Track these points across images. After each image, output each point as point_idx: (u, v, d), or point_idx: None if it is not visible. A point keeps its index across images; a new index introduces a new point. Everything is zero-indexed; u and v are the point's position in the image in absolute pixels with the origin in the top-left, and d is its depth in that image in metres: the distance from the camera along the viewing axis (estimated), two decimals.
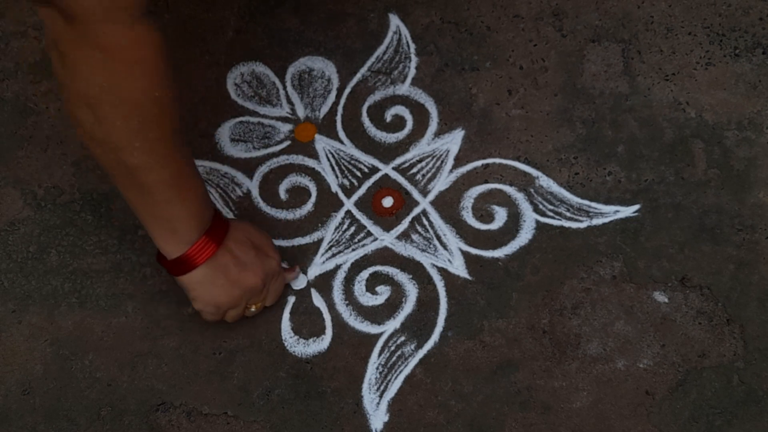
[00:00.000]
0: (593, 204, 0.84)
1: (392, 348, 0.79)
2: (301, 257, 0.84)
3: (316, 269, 0.83)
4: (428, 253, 0.83)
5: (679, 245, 0.82)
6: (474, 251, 0.83)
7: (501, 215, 0.84)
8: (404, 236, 0.84)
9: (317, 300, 0.82)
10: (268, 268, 0.75)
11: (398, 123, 0.89)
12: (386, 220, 0.85)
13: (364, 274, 0.83)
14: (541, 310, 0.80)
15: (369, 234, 0.85)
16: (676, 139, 0.87)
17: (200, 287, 0.72)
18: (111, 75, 0.59)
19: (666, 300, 0.80)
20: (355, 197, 0.86)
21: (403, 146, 0.88)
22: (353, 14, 0.95)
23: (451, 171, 0.87)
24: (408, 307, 0.81)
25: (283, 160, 0.88)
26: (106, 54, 0.58)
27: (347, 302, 0.82)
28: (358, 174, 0.87)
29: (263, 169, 0.88)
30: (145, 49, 0.59)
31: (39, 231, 0.86)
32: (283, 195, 0.87)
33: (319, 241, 0.85)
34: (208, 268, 0.71)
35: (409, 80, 0.91)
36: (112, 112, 0.61)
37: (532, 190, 0.85)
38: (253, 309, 0.77)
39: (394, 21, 0.94)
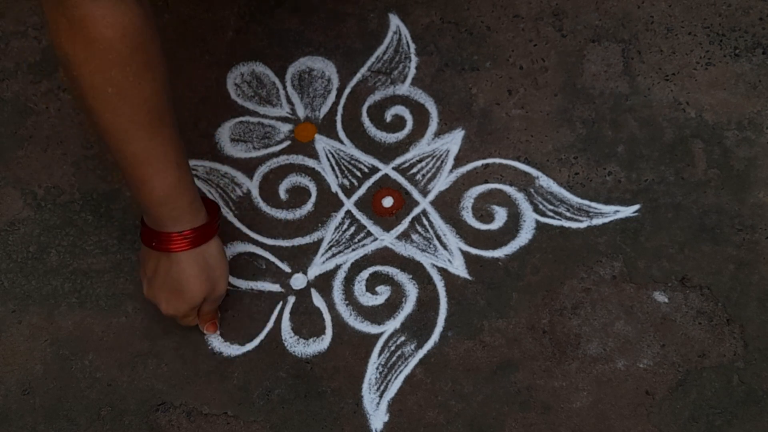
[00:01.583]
0: (593, 204, 0.84)
1: (392, 348, 0.79)
2: (301, 257, 0.84)
3: (316, 269, 0.83)
4: (428, 253, 0.83)
5: (679, 245, 0.82)
6: (474, 251, 0.83)
7: (501, 215, 0.84)
8: (404, 236, 0.84)
9: (317, 300, 0.82)
10: (193, 310, 0.75)
11: (398, 123, 0.89)
12: (386, 220, 0.85)
13: (364, 274, 0.83)
14: (541, 310, 0.80)
15: (369, 234, 0.85)
16: (676, 139, 0.87)
17: (143, 262, 0.74)
18: (72, 46, 0.60)
19: (666, 300, 0.80)
20: (355, 197, 0.86)
21: (403, 146, 0.88)
22: (353, 14, 0.95)
23: (451, 171, 0.87)
24: (408, 307, 0.81)
25: (283, 160, 0.88)
26: (72, 25, 0.59)
27: (347, 302, 0.82)
28: (358, 174, 0.87)
29: (263, 169, 0.88)
30: (106, 29, 0.59)
31: (39, 231, 0.86)
32: (283, 195, 0.87)
33: (319, 241, 0.85)
34: (166, 260, 0.71)
35: (409, 80, 0.91)
36: (73, 82, 0.62)
37: (532, 190, 0.85)
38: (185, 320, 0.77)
39: (394, 21, 0.94)
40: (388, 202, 0.86)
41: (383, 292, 0.82)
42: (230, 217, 0.86)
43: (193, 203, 0.71)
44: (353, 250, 0.84)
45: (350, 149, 0.88)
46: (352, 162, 0.88)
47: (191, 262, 0.72)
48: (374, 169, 0.87)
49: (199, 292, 0.73)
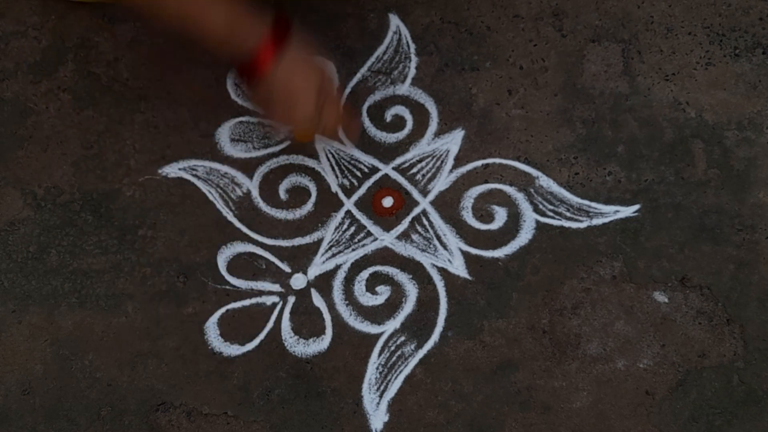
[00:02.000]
0: (593, 204, 0.84)
1: (392, 348, 0.79)
2: (301, 257, 0.84)
3: (316, 269, 0.83)
4: (428, 253, 0.83)
5: (679, 245, 0.82)
6: (474, 251, 0.83)
7: (501, 215, 0.84)
8: (404, 236, 0.84)
9: (317, 300, 0.82)
10: (321, 98, 0.77)
11: (398, 123, 0.89)
12: (386, 220, 0.85)
13: (364, 274, 0.83)
14: (541, 310, 0.80)
15: (369, 234, 0.85)
16: (676, 139, 0.87)
17: (264, 100, 0.76)
18: None
19: (666, 300, 0.80)
20: (355, 197, 0.86)
21: (403, 146, 0.88)
22: (353, 14, 0.95)
23: (451, 171, 0.87)
24: (408, 307, 0.81)
25: (283, 160, 0.88)
26: None
27: (347, 302, 0.82)
28: (358, 174, 0.87)
29: (263, 169, 0.88)
30: None
31: (39, 231, 0.86)
32: (283, 195, 0.87)
33: (319, 241, 0.85)
34: (288, 56, 0.74)
35: (409, 80, 0.91)
36: None
37: (532, 190, 0.85)
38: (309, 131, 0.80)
39: (394, 21, 0.94)
40: (388, 202, 0.86)
41: (383, 292, 0.82)
42: (230, 217, 0.86)
43: (256, 10, 0.73)
44: (353, 250, 0.84)
45: (350, 149, 0.88)
46: (352, 162, 0.88)
47: (292, 61, 0.74)
48: (374, 169, 0.87)
49: (314, 77, 0.75)
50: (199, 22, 0.71)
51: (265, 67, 0.73)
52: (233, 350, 0.80)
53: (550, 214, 0.84)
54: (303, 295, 0.82)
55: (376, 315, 0.81)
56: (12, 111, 0.92)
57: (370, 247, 0.84)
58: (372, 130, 0.89)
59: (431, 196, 0.86)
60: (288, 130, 0.80)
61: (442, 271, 0.82)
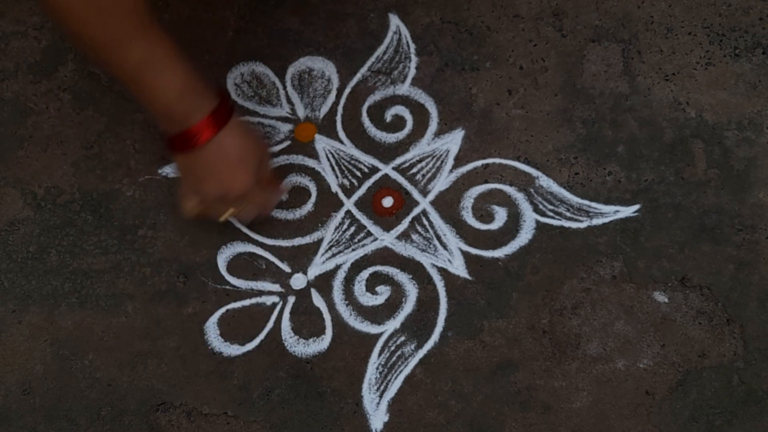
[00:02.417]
0: (593, 204, 0.84)
1: (392, 348, 0.79)
2: (301, 257, 0.84)
3: (316, 269, 0.83)
4: (428, 253, 0.83)
5: (679, 245, 0.82)
6: (474, 251, 0.83)
7: (501, 215, 0.85)
8: (404, 236, 0.84)
9: (317, 300, 0.82)
10: (263, 169, 0.77)
11: (398, 123, 0.89)
12: (386, 220, 0.85)
13: (364, 274, 0.83)
14: (541, 310, 0.80)
15: (369, 234, 0.85)
16: (676, 139, 0.87)
17: (195, 169, 0.74)
18: None
19: (666, 300, 0.80)
20: (355, 197, 0.86)
21: (403, 146, 0.88)
22: (353, 14, 0.95)
23: (451, 171, 0.87)
24: (408, 307, 0.81)
25: (283, 160, 0.88)
26: None
27: (347, 302, 0.82)
28: (358, 174, 0.87)
29: None
30: None
31: (39, 231, 0.86)
32: (283, 195, 0.87)
33: (319, 241, 0.85)
34: (205, 151, 0.72)
35: (409, 80, 0.91)
36: (57, 14, 0.63)
37: (532, 190, 0.85)
38: (226, 216, 0.78)
39: (394, 21, 0.94)
40: (388, 202, 0.86)
41: (383, 292, 0.82)
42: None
43: (206, 85, 0.72)
44: (353, 250, 0.84)
45: (350, 149, 0.88)
46: (352, 162, 0.88)
47: (235, 133, 0.73)
48: (374, 169, 0.87)
49: (254, 152, 0.75)
50: (151, 86, 0.68)
51: (205, 138, 0.72)
52: (233, 350, 0.80)
53: (550, 214, 0.84)
54: (303, 295, 0.82)
55: (376, 315, 0.81)
56: (12, 111, 0.92)
57: (370, 247, 0.84)
58: (372, 130, 0.89)
59: (431, 196, 0.86)
60: (199, 204, 0.78)
61: (442, 271, 0.82)
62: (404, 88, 0.91)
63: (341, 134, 0.89)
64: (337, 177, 0.87)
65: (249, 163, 0.75)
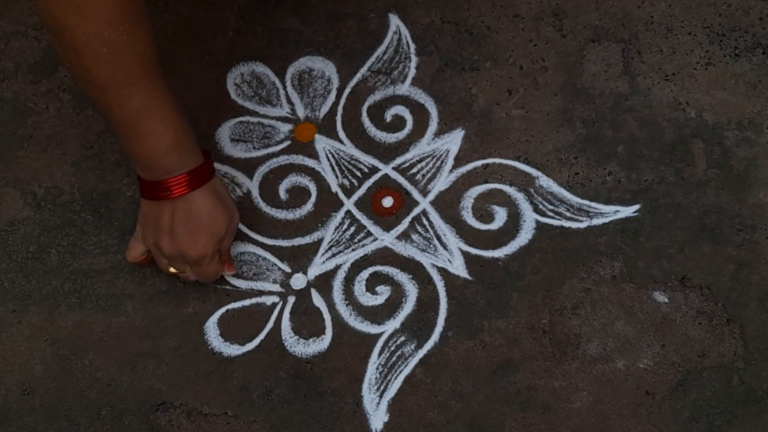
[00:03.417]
0: (593, 204, 0.84)
1: (392, 348, 0.79)
2: (301, 257, 0.84)
3: (316, 269, 0.83)
4: (428, 253, 0.83)
5: (679, 245, 0.82)
6: (474, 251, 0.83)
7: (501, 215, 0.85)
8: (404, 236, 0.84)
9: (317, 300, 0.82)
10: (225, 241, 0.77)
11: (398, 123, 0.89)
12: (386, 220, 0.85)
13: (364, 274, 0.83)
14: (541, 310, 0.80)
15: (369, 234, 0.85)
16: (676, 139, 0.87)
17: (158, 221, 0.74)
18: (63, 12, 0.61)
19: (666, 300, 0.80)
20: (355, 197, 0.86)
21: (403, 146, 0.88)
22: (353, 14, 0.95)
23: (451, 171, 0.87)
24: (408, 307, 0.81)
25: (283, 160, 0.88)
26: None
27: (347, 302, 0.82)
28: (358, 174, 0.87)
29: (263, 169, 0.88)
30: None
31: (39, 231, 0.86)
32: (283, 195, 0.87)
33: (319, 241, 0.85)
34: (173, 206, 0.72)
35: (409, 80, 0.91)
36: (67, 47, 0.63)
37: (532, 190, 0.85)
38: (172, 270, 0.78)
39: (394, 21, 0.94)
40: (388, 202, 0.86)
41: (383, 292, 0.82)
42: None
43: (194, 142, 0.73)
44: (353, 250, 0.84)
45: (350, 149, 0.88)
46: (352, 162, 0.88)
47: (209, 196, 0.73)
48: (374, 169, 0.88)
49: (223, 222, 0.74)
50: (145, 134, 0.68)
51: (174, 194, 0.71)
52: (233, 350, 0.80)
53: (550, 214, 0.84)
54: (303, 295, 0.82)
55: (376, 315, 0.81)
56: (12, 111, 0.92)
57: (370, 247, 0.84)
58: (372, 130, 0.89)
59: (431, 196, 0.86)
60: (144, 253, 0.78)
61: (442, 271, 0.82)
62: (404, 88, 0.91)
63: (341, 134, 0.89)
64: (337, 177, 0.87)
65: (213, 231, 0.74)
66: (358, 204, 0.86)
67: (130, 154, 0.72)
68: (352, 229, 0.85)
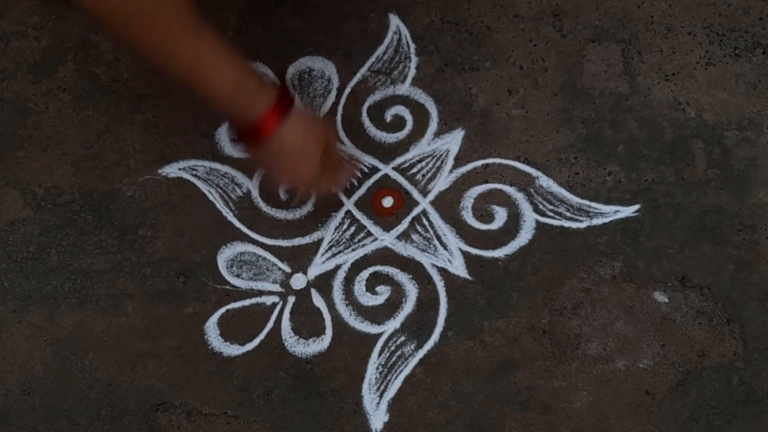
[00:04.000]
0: (593, 204, 0.84)
1: (392, 348, 0.79)
2: (301, 257, 0.84)
3: (316, 269, 0.83)
4: (428, 253, 0.83)
5: (679, 245, 0.82)
6: (474, 251, 0.83)
7: (501, 215, 0.84)
8: (404, 236, 0.84)
9: (317, 300, 0.82)
10: (328, 155, 0.78)
11: (398, 123, 0.89)
12: (386, 220, 0.85)
13: (364, 274, 0.83)
14: (541, 310, 0.80)
15: (369, 234, 0.85)
16: (676, 139, 0.87)
17: (264, 160, 0.76)
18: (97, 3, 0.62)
19: (666, 300, 0.80)
20: (355, 197, 0.86)
21: (403, 146, 0.88)
22: (353, 14, 0.95)
23: (451, 171, 0.87)
24: (408, 307, 0.81)
25: None
26: None
27: (347, 302, 0.82)
28: (358, 174, 0.87)
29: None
30: None
31: (39, 231, 0.86)
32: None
33: (319, 241, 0.85)
34: (269, 144, 0.73)
35: (409, 80, 0.91)
36: (104, 24, 0.64)
37: (532, 190, 0.85)
38: (298, 197, 0.81)
39: (394, 21, 0.94)
40: (388, 202, 0.86)
41: (383, 292, 0.82)
42: (230, 217, 0.86)
43: (261, 78, 0.73)
44: (353, 250, 0.84)
45: (350, 149, 0.88)
46: (352, 162, 0.88)
47: (295, 126, 0.74)
48: (374, 169, 0.87)
49: (318, 145, 0.76)
50: (205, 84, 0.70)
51: (269, 132, 0.73)
52: (233, 350, 0.80)
53: (550, 214, 0.84)
54: (303, 295, 0.82)
55: (376, 315, 0.81)
56: (12, 111, 0.92)
57: (370, 247, 0.84)
58: (372, 130, 0.89)
59: (431, 196, 0.86)
60: (289, 187, 0.82)
61: (442, 271, 0.82)
62: (404, 88, 0.91)
63: (341, 134, 0.89)
64: None
65: (310, 155, 0.76)
66: (358, 204, 0.86)
67: (208, 104, 0.73)
68: (352, 229, 0.85)
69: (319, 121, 0.78)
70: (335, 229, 0.85)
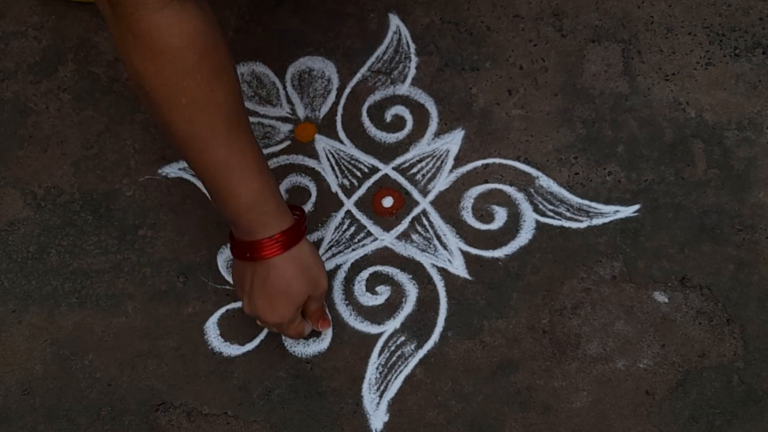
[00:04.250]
0: (593, 204, 0.84)
1: (392, 348, 0.79)
2: None
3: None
4: (428, 253, 0.83)
5: (679, 245, 0.82)
6: (474, 251, 0.83)
7: (501, 215, 0.84)
8: (404, 236, 0.84)
9: None
10: (310, 306, 0.74)
11: (398, 123, 0.89)
12: (386, 220, 0.85)
13: (364, 274, 0.83)
14: (541, 310, 0.80)
15: (369, 234, 0.85)
16: (676, 139, 0.87)
17: (241, 278, 0.72)
18: (142, 60, 0.59)
19: (666, 300, 0.80)
20: (355, 197, 0.86)
21: (403, 146, 0.88)
22: (353, 14, 0.95)
23: (451, 171, 0.87)
24: (408, 307, 0.81)
25: (283, 160, 0.88)
26: (138, 39, 0.58)
27: (347, 302, 0.82)
28: (358, 174, 0.87)
29: None
30: (172, 39, 0.58)
31: (39, 231, 0.86)
32: (283, 195, 0.87)
33: (319, 241, 0.85)
34: (254, 268, 0.70)
35: (409, 80, 0.91)
36: (146, 97, 0.61)
37: (532, 190, 0.85)
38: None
39: (394, 21, 0.94)
40: (388, 202, 0.86)
41: (383, 292, 0.82)
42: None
43: (279, 206, 0.69)
44: (353, 250, 0.84)
45: (350, 149, 0.88)
46: (352, 162, 0.88)
47: (288, 265, 0.70)
48: (374, 169, 0.87)
49: (302, 292, 0.71)
50: (223, 189, 0.66)
51: (261, 257, 0.69)
52: (233, 350, 0.80)
53: (550, 214, 0.84)
54: None
55: (376, 315, 0.81)
56: (12, 111, 0.92)
57: (370, 247, 0.84)
58: (372, 130, 0.89)
59: (431, 196, 0.86)
60: (258, 318, 0.74)
61: (442, 271, 0.82)
62: (404, 88, 0.91)
63: (341, 134, 0.89)
64: (337, 177, 0.87)
65: (290, 300, 0.71)
66: (358, 204, 0.86)
67: (218, 210, 0.69)
68: (352, 229, 0.85)
69: (317, 268, 0.73)
70: (335, 229, 0.85)
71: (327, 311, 0.80)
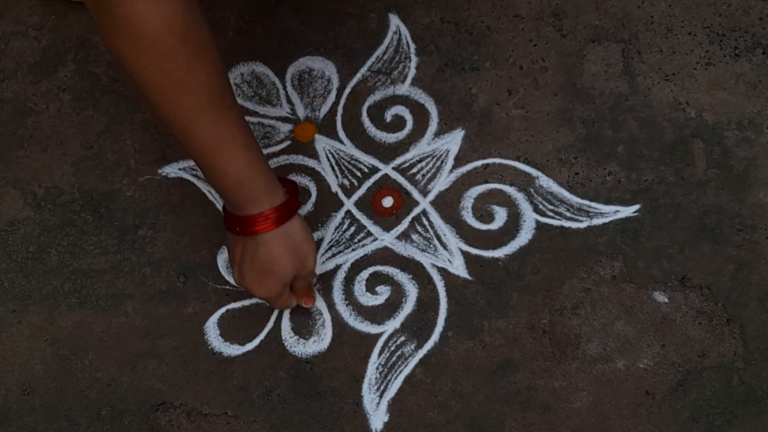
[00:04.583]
0: (593, 204, 0.84)
1: (392, 348, 0.79)
2: None
3: (316, 269, 0.83)
4: (428, 253, 0.83)
5: (679, 245, 0.82)
6: (474, 251, 0.83)
7: (501, 215, 0.84)
8: (404, 236, 0.84)
9: (317, 300, 0.82)
10: (298, 281, 0.75)
11: (398, 123, 0.89)
12: (386, 220, 0.85)
13: (364, 274, 0.83)
14: (541, 310, 0.80)
15: (369, 234, 0.85)
16: (676, 139, 0.87)
17: (232, 251, 0.73)
18: (122, 45, 0.59)
19: (666, 300, 0.80)
20: (355, 197, 0.86)
21: (403, 146, 0.88)
22: (353, 14, 0.95)
23: (451, 171, 0.87)
24: (408, 307, 0.81)
25: (283, 160, 0.88)
26: (117, 24, 0.58)
27: (347, 302, 0.82)
28: (358, 174, 0.87)
29: None
30: (150, 22, 0.58)
31: (39, 231, 0.86)
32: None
33: (319, 241, 0.85)
34: (245, 242, 0.71)
35: (409, 80, 0.91)
36: (129, 80, 0.62)
37: (532, 190, 0.85)
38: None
39: (394, 21, 0.94)
40: (388, 202, 0.86)
41: (383, 292, 0.82)
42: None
43: (269, 183, 0.70)
44: (353, 250, 0.84)
45: (350, 149, 0.88)
46: (352, 162, 0.88)
47: (277, 242, 0.71)
48: (374, 169, 0.87)
49: (288, 270, 0.72)
50: (213, 166, 0.67)
51: (251, 232, 0.70)
52: (233, 350, 0.80)
53: (550, 214, 0.84)
54: None
55: (376, 315, 0.81)
56: (12, 111, 0.92)
57: (370, 247, 0.84)
58: (372, 130, 0.89)
59: (431, 196, 0.86)
60: (247, 290, 0.75)
61: (442, 271, 0.82)
62: (404, 88, 0.91)
63: (341, 134, 0.89)
64: (337, 177, 0.87)
65: (278, 276, 0.72)
66: (358, 204, 0.86)
67: (211, 185, 0.69)
68: (352, 229, 0.85)
69: (306, 246, 0.73)
70: (335, 229, 0.85)
71: (314, 289, 0.81)
